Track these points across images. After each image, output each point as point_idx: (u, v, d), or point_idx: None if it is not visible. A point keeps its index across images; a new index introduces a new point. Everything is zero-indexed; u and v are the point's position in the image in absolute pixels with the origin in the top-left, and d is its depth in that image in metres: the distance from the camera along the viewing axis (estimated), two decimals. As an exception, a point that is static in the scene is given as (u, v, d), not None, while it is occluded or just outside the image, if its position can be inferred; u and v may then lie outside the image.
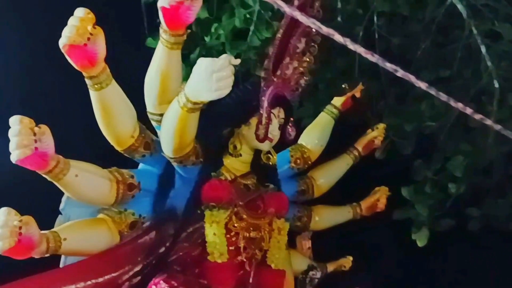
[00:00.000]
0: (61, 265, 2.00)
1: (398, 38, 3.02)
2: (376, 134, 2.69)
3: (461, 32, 2.90)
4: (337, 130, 2.59)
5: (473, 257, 3.28)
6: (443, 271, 3.33)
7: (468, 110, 1.21)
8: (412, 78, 1.14)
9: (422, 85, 1.15)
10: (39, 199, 2.18)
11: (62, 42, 1.61)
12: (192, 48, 2.78)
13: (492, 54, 2.79)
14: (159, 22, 1.74)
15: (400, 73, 1.14)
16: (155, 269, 1.98)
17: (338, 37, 1.09)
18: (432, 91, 1.16)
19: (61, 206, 2.00)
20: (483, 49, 2.78)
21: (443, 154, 3.14)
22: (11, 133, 1.62)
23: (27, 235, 1.67)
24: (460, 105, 1.21)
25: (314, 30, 2.00)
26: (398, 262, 3.41)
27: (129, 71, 1.98)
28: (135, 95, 1.89)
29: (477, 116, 1.20)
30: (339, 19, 2.83)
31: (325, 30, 1.10)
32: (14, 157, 1.62)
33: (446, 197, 3.15)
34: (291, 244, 2.51)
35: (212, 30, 2.81)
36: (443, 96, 1.18)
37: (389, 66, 1.12)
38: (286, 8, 1.17)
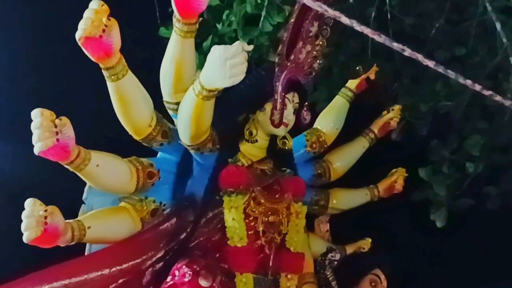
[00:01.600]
0: (86, 253, 2.08)
1: (411, 18, 3.02)
2: (391, 115, 2.72)
3: (475, 9, 2.90)
4: (352, 112, 2.63)
5: (492, 236, 3.30)
6: (463, 250, 3.35)
7: (477, 87, 1.25)
8: (420, 56, 1.18)
9: (430, 63, 1.19)
10: (62, 190, 2.25)
11: (78, 35, 1.67)
12: (205, 36, 2.80)
13: (507, 30, 2.79)
14: (172, 12, 1.79)
15: (408, 52, 1.18)
16: (177, 255, 2.04)
17: (344, 19, 1.13)
18: (440, 69, 1.20)
19: (84, 195, 2.07)
20: (498, 25, 2.77)
21: (459, 134, 3.15)
22: (33, 126, 1.68)
23: (52, 224, 1.74)
24: (469, 82, 1.25)
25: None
26: (417, 243, 3.43)
27: (143, 61, 2.04)
28: (151, 85, 1.94)
29: (487, 92, 1.24)
30: (351, 0, 2.84)
31: (331, 12, 1.14)
32: (36, 149, 1.68)
33: (464, 177, 3.16)
34: (310, 227, 2.56)
35: (224, 17, 2.83)
36: (451, 74, 1.22)
37: (396, 45, 1.16)
38: None
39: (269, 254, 2.11)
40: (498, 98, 1.29)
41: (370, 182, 2.75)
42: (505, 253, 3.25)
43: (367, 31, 1.23)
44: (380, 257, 2.63)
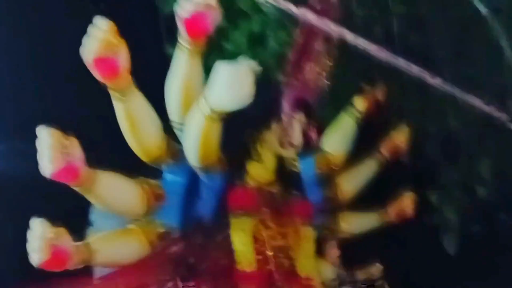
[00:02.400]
0: (94, 276, 2.08)
1: (418, 36, 3.08)
2: (400, 138, 2.75)
3: (482, 28, 2.96)
4: (360, 132, 2.65)
5: (506, 261, 3.31)
6: (475, 276, 3.35)
7: (485, 107, 1.29)
8: (426, 74, 1.23)
9: (437, 81, 1.24)
10: (70, 211, 2.28)
11: (86, 56, 1.71)
12: (210, 54, 2.88)
13: (513, 49, 2.84)
14: (178, 31, 1.85)
15: (414, 69, 1.23)
16: (185, 279, 2.06)
17: (350, 37, 1.19)
18: (448, 87, 1.25)
19: (92, 217, 2.12)
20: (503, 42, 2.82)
21: (469, 156, 3.18)
22: (41, 146, 1.70)
23: (61, 247, 1.76)
24: (477, 102, 1.30)
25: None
26: (429, 268, 3.44)
27: (149, 80, 2.07)
28: (157, 103, 1.99)
29: (496, 113, 1.28)
30: (356, 20, 2.90)
31: (336, 30, 1.20)
32: (46, 172, 1.71)
33: (475, 201, 3.19)
34: (319, 252, 2.58)
35: (230, 36, 2.91)
36: (458, 92, 1.27)
37: (402, 62, 1.21)
38: (295, 11, 1.27)
39: (278, 280, 2.13)
40: (498, 114, 1.34)
41: (379, 205, 2.77)
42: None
43: (371, 48, 1.29)
44: (391, 281, 2.64)
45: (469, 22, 3.02)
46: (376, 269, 2.78)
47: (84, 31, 1.71)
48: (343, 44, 2.10)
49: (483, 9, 2.83)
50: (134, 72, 1.86)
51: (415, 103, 3.16)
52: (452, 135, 3.15)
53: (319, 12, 2.03)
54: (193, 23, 1.79)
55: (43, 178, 1.74)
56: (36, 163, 1.73)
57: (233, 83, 1.73)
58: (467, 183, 3.23)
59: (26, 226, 1.76)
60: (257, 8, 2.80)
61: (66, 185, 1.81)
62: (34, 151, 1.73)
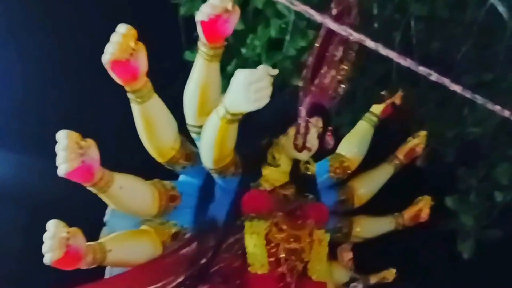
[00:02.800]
0: (106, 276, 2.13)
1: (437, 42, 3.07)
2: (417, 141, 2.74)
3: (503, 33, 2.94)
4: (377, 138, 2.67)
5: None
6: (491, 283, 3.34)
7: (506, 113, 1.29)
8: (446, 81, 1.23)
9: (457, 88, 1.24)
10: (84, 211, 2.31)
11: (105, 58, 1.74)
12: (229, 60, 2.90)
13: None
14: (197, 36, 1.86)
15: (434, 76, 1.23)
16: (197, 280, 2.08)
17: (369, 43, 1.19)
18: (468, 94, 1.25)
19: (106, 217, 2.14)
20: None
21: (488, 161, 3.17)
22: (58, 147, 1.73)
23: (74, 246, 1.78)
24: (497, 108, 1.30)
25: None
26: (444, 274, 3.43)
27: (167, 84, 2.10)
28: (174, 108, 2.01)
29: (507, 114, 1.28)
30: (375, 25, 2.90)
31: (356, 36, 1.20)
32: (61, 171, 1.74)
33: (493, 206, 3.18)
34: (332, 255, 2.59)
35: (248, 41, 2.92)
36: (479, 99, 1.27)
37: (422, 70, 1.21)
38: (317, 17, 1.27)
39: (290, 282, 2.13)
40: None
41: (395, 210, 2.77)
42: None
43: (392, 55, 1.29)
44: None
45: (489, 28, 3.01)
46: (389, 274, 2.78)
47: (104, 37, 1.75)
48: (362, 50, 2.10)
49: (505, 14, 2.81)
50: (154, 76, 1.88)
51: (434, 108, 3.15)
52: (470, 140, 3.13)
53: (339, 18, 2.03)
54: (211, 26, 1.80)
55: (59, 180, 1.77)
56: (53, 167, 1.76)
57: (248, 85, 1.74)
58: (484, 188, 3.20)
59: (42, 227, 1.79)
60: (276, 13, 2.81)
61: (81, 186, 1.84)
62: (51, 157, 1.76)
